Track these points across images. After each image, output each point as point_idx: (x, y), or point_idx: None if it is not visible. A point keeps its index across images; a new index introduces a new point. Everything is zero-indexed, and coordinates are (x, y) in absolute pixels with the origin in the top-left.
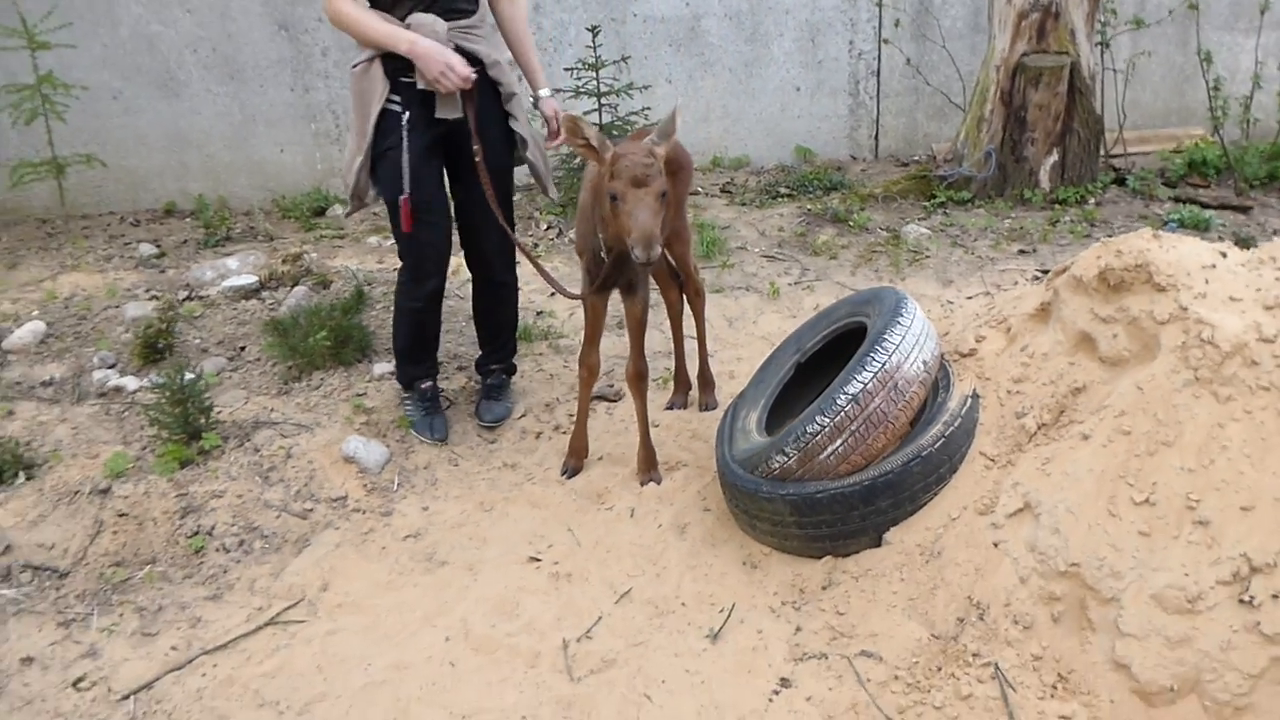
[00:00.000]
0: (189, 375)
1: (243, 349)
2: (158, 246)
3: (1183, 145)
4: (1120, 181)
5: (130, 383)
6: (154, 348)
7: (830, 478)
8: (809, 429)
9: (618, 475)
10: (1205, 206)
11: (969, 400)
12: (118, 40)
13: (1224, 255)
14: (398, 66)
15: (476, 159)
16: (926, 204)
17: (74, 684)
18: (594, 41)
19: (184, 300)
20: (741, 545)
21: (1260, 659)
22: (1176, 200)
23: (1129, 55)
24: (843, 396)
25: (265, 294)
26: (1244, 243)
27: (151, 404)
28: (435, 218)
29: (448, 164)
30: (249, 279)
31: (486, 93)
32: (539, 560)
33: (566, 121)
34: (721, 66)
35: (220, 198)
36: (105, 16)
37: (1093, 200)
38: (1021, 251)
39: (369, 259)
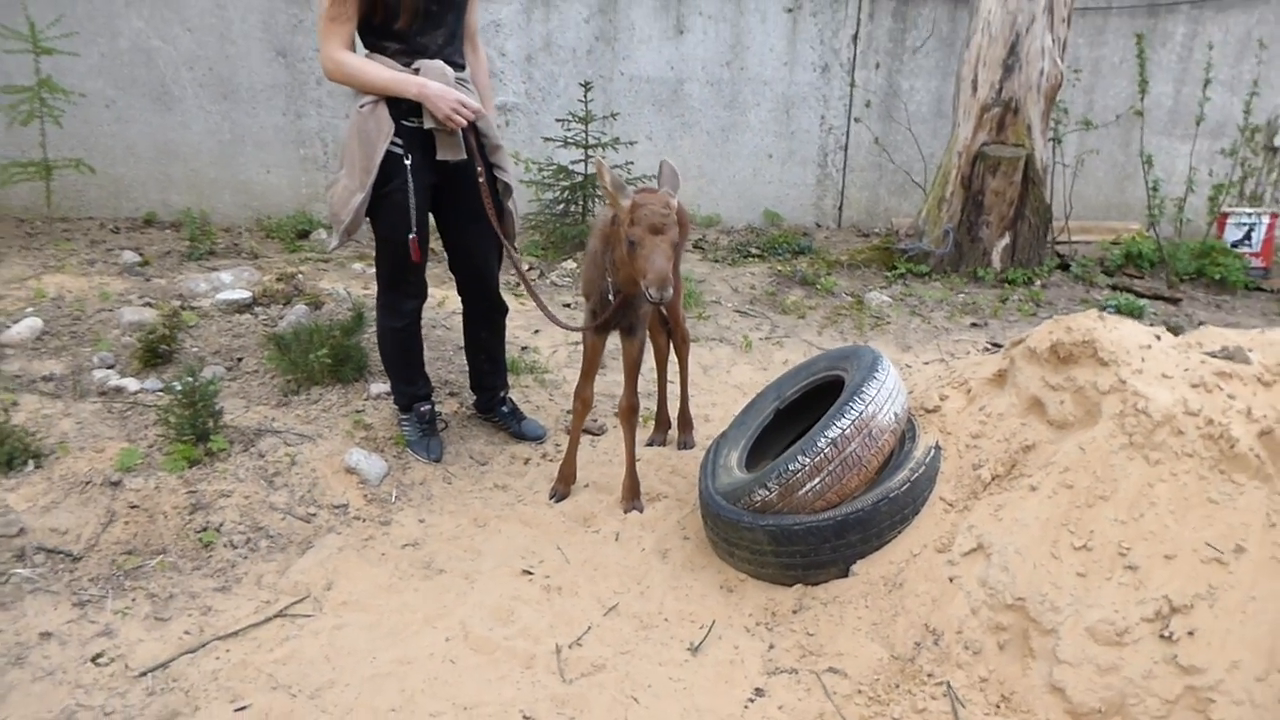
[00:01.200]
0: (202, 378)
1: (240, 360)
2: (140, 255)
3: (1121, 238)
4: (1064, 267)
5: (131, 384)
6: (155, 352)
7: (807, 512)
8: (791, 467)
9: (603, 502)
10: (1140, 296)
11: (932, 451)
12: (116, 51)
13: (1158, 338)
14: (402, 110)
15: (480, 179)
16: (888, 274)
17: (93, 659)
18: (585, 96)
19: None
20: (719, 571)
21: (1176, 687)
22: (1114, 288)
23: (1077, 152)
24: (823, 439)
25: (258, 310)
26: (1173, 330)
27: (164, 404)
28: (424, 249)
29: (441, 204)
30: (243, 294)
31: (474, 144)
32: (531, 573)
33: (594, 165)
34: (700, 129)
35: (203, 212)
36: (105, 27)
37: (1039, 282)
38: (974, 324)
39: (354, 284)
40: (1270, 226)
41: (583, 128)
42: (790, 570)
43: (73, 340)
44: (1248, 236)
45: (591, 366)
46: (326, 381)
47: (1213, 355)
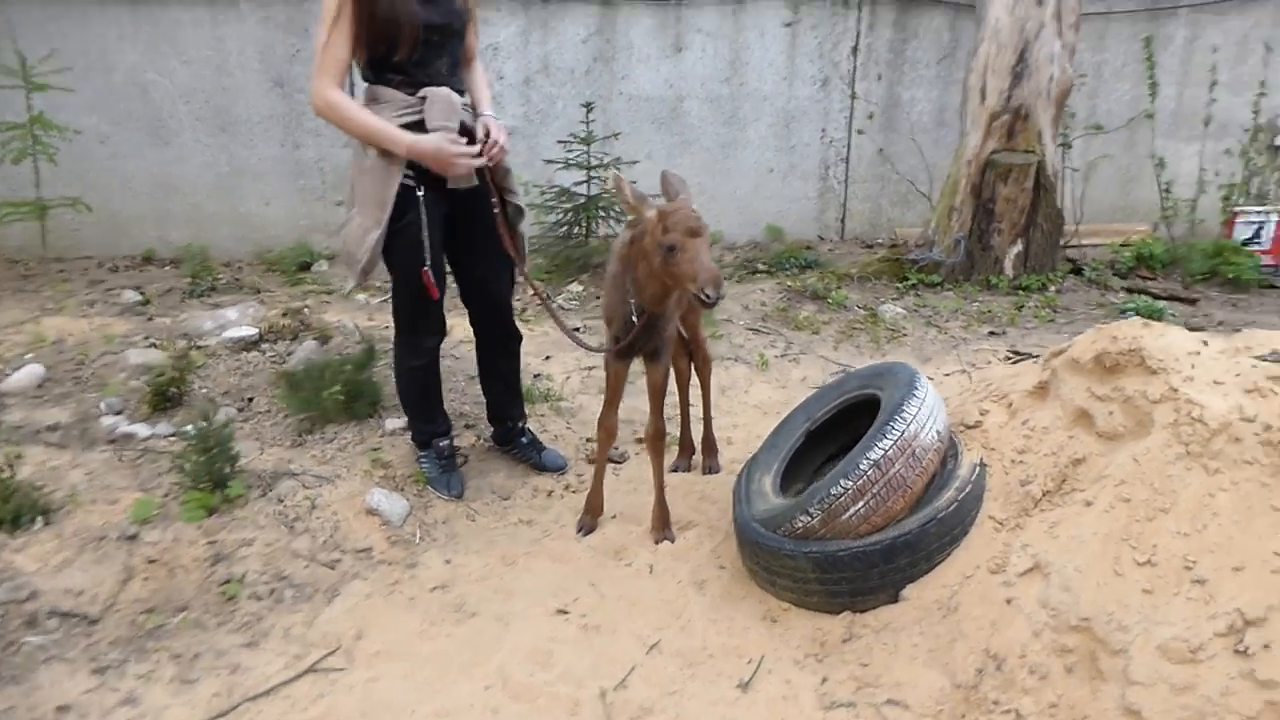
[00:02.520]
0: (217, 421)
1: (251, 400)
2: (141, 293)
3: (1130, 240)
4: (1077, 271)
5: (141, 430)
6: (165, 395)
7: (851, 537)
8: (833, 491)
9: (633, 533)
10: (1156, 297)
11: (977, 468)
12: (111, 85)
13: (1205, 343)
14: None
15: (495, 210)
16: (899, 285)
17: None
18: (587, 118)
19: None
20: (760, 600)
21: (1255, 703)
22: (1129, 290)
23: (1083, 156)
24: (865, 461)
25: (265, 346)
26: (1195, 331)
27: (178, 450)
28: (442, 284)
29: (456, 232)
30: (250, 330)
31: (480, 170)
32: (567, 612)
33: (613, 181)
34: (700, 146)
35: (202, 247)
36: (99, 62)
37: (1053, 288)
38: (991, 333)
39: (359, 315)
40: (1279, 224)
41: (584, 149)
42: (837, 598)
43: (77, 386)
44: (1257, 235)
45: (615, 394)
46: (340, 419)
47: (1264, 359)
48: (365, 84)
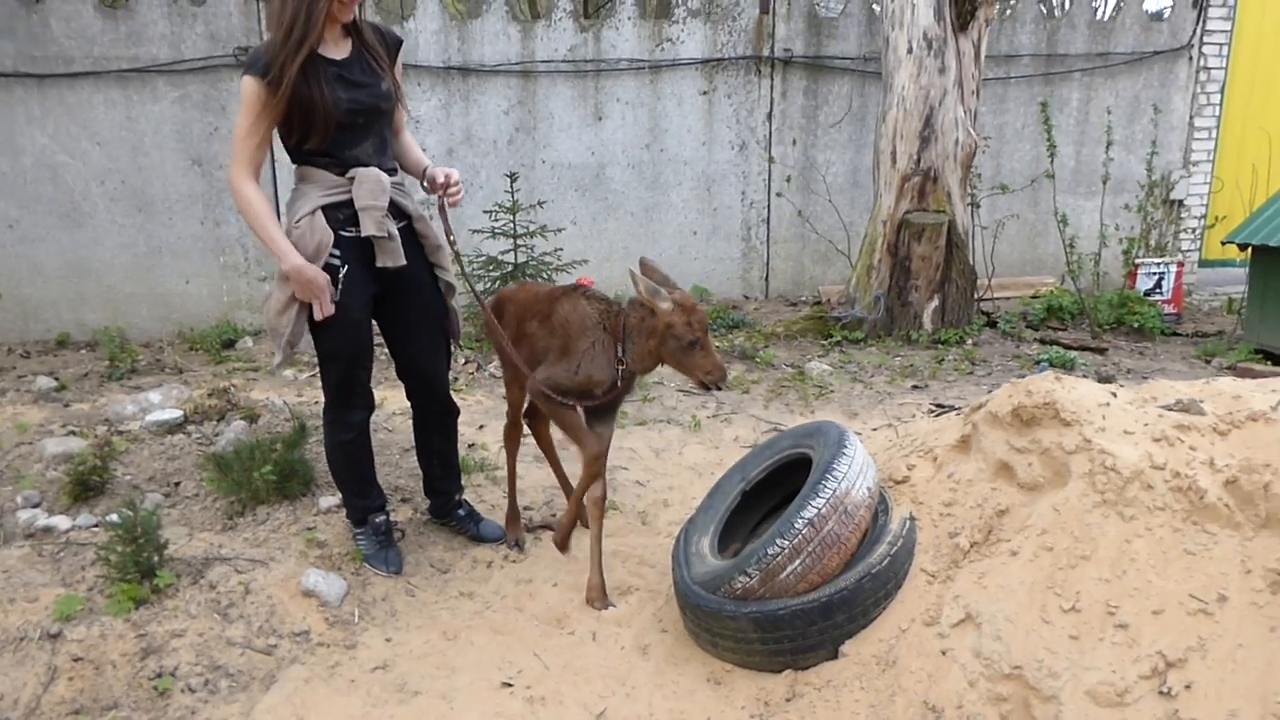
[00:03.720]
0: (143, 508)
1: (177, 484)
2: (56, 379)
3: (1039, 292)
4: (992, 324)
5: (62, 522)
6: (86, 484)
7: (790, 595)
8: (770, 551)
9: (574, 600)
10: (1068, 348)
11: (907, 522)
12: (19, 169)
13: (1115, 395)
14: (339, 220)
15: (455, 246)
16: (824, 342)
17: None
18: (512, 187)
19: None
20: (703, 663)
21: None
22: (1041, 342)
23: (991, 213)
24: (800, 520)
25: (191, 428)
26: (1105, 379)
27: (102, 541)
28: (369, 360)
29: (385, 311)
30: (174, 413)
31: (414, 246)
32: (511, 685)
33: (635, 278)
34: (624, 210)
35: (119, 329)
36: (7, 145)
37: (970, 340)
38: (915, 386)
39: (287, 392)
40: (1178, 274)
41: (510, 217)
42: (778, 656)
43: None
44: (1159, 285)
45: (602, 459)
46: (273, 500)
47: (1169, 409)
48: (294, 165)
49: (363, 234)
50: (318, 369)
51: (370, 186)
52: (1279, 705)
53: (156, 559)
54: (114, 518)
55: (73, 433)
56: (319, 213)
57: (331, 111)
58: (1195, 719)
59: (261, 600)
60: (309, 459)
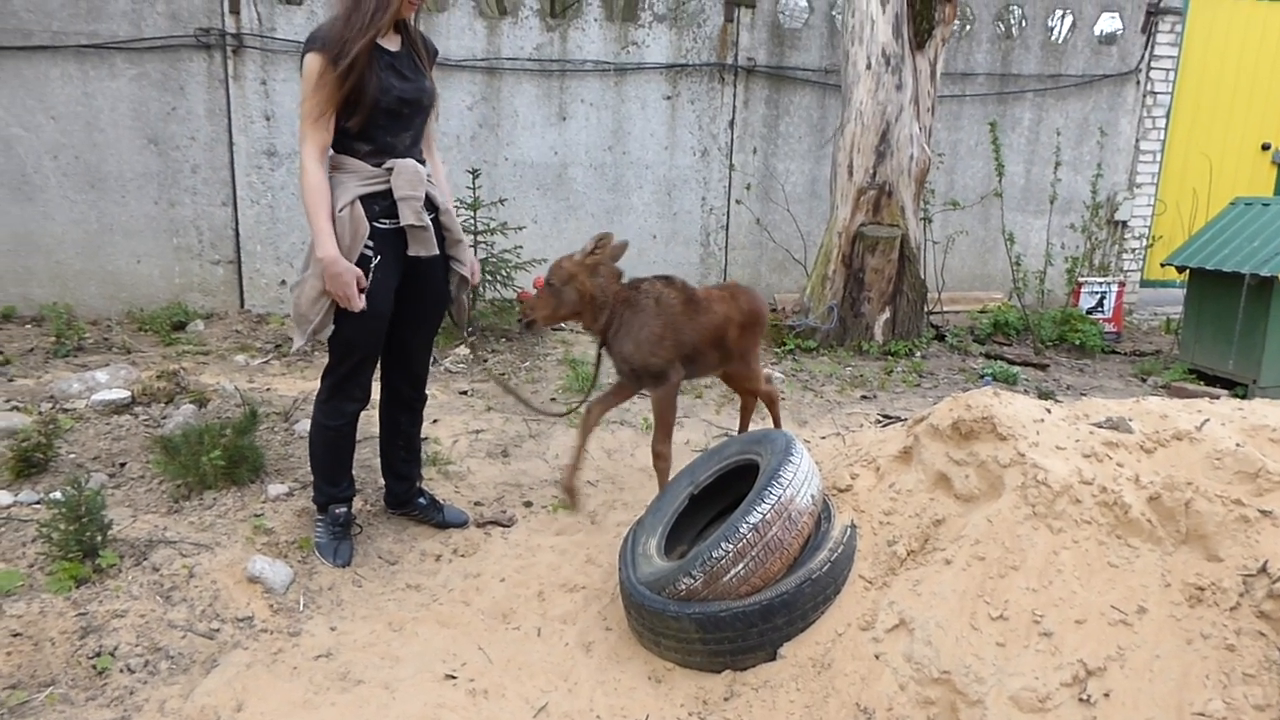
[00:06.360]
0: (88, 488)
1: (123, 465)
2: (1, 353)
3: (987, 307)
4: (940, 338)
5: (3, 497)
6: (29, 461)
7: (732, 598)
8: (715, 554)
9: (521, 596)
10: (1011, 363)
11: (849, 530)
12: None
13: (1049, 411)
14: (375, 212)
15: (465, 272)
16: (778, 350)
17: None
18: (474, 183)
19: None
20: (646, 661)
21: None
22: (987, 356)
23: (943, 229)
24: (745, 525)
25: (139, 409)
26: (1045, 395)
27: (44, 519)
28: (379, 356)
29: (401, 298)
30: (121, 393)
31: (437, 238)
32: (454, 677)
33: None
34: (585, 211)
35: (67, 305)
36: None
37: (919, 353)
38: (864, 397)
39: (238, 377)
40: (1119, 294)
41: (471, 214)
42: (719, 657)
43: None
44: (1100, 304)
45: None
46: (221, 485)
47: (1099, 426)
48: (330, 151)
49: (402, 223)
50: (313, 355)
51: (409, 177)
52: (1194, 715)
53: (100, 539)
54: (57, 495)
55: (16, 408)
56: (358, 203)
57: (380, 98)
58: None
59: (205, 584)
60: (259, 445)
